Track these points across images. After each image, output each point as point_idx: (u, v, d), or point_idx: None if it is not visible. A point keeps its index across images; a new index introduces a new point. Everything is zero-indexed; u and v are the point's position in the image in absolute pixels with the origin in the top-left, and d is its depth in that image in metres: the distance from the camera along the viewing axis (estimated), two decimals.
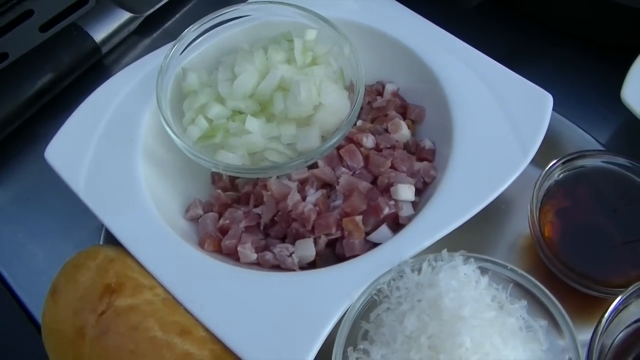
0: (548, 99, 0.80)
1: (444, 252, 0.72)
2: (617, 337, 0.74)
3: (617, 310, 0.71)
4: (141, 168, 0.81)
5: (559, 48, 1.04)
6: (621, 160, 0.82)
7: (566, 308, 0.72)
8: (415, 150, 0.82)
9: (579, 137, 0.88)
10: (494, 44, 0.95)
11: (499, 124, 0.79)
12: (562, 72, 1.02)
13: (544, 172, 0.80)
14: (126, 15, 1.05)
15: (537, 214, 0.79)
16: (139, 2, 1.07)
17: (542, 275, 0.77)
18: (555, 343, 0.72)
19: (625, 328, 0.74)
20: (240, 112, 0.83)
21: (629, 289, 0.72)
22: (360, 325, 0.72)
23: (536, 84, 0.83)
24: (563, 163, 0.81)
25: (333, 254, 0.77)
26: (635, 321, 0.74)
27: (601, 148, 0.87)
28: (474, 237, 0.79)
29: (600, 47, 1.01)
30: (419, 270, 0.72)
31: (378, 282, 0.72)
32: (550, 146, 0.84)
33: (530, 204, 0.78)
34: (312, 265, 0.77)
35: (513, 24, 1.07)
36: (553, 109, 0.83)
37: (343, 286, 0.71)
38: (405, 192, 0.76)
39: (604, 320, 0.70)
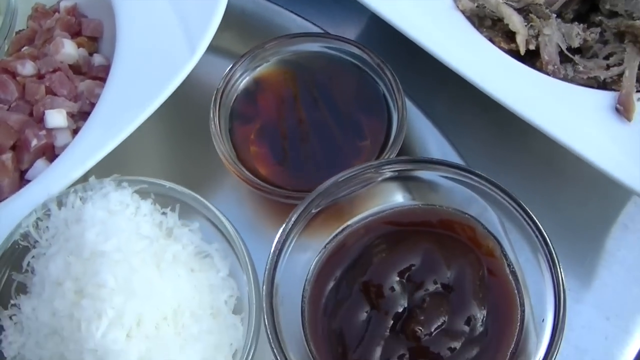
0: None
1: (92, 179, 0.62)
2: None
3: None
4: None
5: None
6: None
7: None
8: (87, 69, 0.71)
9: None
10: None
11: (168, 24, 0.68)
12: None
13: (220, 88, 0.68)
14: None
15: (226, 135, 0.68)
16: None
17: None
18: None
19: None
20: None
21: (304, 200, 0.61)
22: (12, 277, 0.62)
23: None
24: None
25: None
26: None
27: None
28: (167, 164, 0.70)
29: None
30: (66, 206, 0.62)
31: (20, 227, 0.62)
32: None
33: (211, 126, 0.67)
34: None
35: None
36: None
37: None
38: (55, 118, 0.65)
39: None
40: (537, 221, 0.59)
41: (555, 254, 0.57)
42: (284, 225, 0.59)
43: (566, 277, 0.68)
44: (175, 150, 0.75)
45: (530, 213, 0.59)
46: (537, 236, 0.59)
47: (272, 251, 0.58)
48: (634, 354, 0.67)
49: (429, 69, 0.71)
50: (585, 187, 0.72)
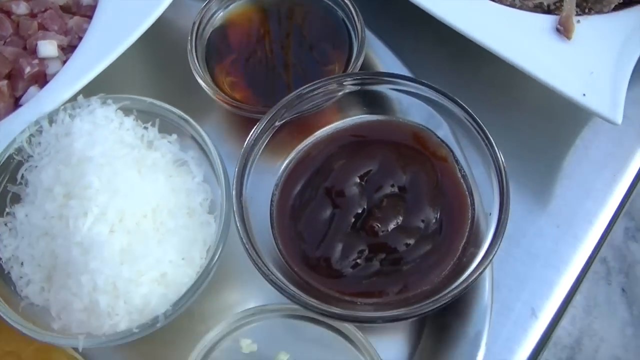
0: None
1: (80, 97, 0.68)
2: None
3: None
4: None
5: None
6: None
7: None
8: (76, 9, 0.78)
9: None
10: None
11: None
12: None
13: (196, 21, 0.74)
14: None
15: (203, 64, 0.74)
16: None
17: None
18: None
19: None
20: None
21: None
22: (7, 189, 0.68)
23: None
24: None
25: None
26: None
27: None
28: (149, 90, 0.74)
29: None
30: (57, 122, 0.68)
31: (15, 142, 0.68)
32: None
33: (189, 54, 0.73)
34: None
35: None
36: None
37: None
38: (46, 48, 0.72)
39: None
40: (485, 129, 0.64)
41: (500, 154, 0.62)
42: (251, 132, 0.65)
43: (519, 190, 0.75)
44: (154, 83, 0.81)
45: (479, 121, 0.64)
46: (484, 141, 0.64)
47: (240, 155, 0.64)
48: (584, 258, 0.71)
49: (396, 14, 0.79)
50: (542, 114, 0.77)
